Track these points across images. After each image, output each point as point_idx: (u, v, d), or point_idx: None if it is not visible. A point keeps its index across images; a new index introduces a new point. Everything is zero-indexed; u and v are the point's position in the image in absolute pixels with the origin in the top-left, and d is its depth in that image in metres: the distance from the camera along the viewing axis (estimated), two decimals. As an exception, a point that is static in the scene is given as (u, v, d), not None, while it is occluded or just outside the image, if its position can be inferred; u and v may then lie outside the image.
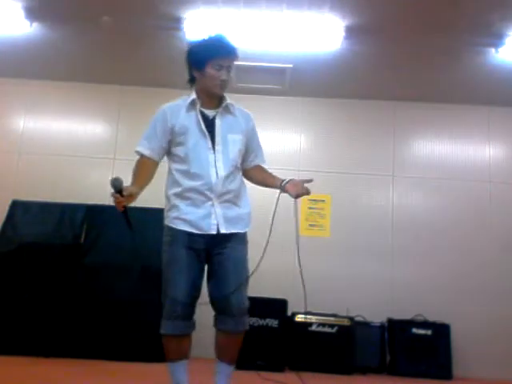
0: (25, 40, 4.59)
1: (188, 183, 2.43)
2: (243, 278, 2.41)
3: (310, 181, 2.60)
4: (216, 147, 2.45)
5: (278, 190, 2.59)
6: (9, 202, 5.03)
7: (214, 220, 2.41)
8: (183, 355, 2.44)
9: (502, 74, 4.66)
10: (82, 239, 4.88)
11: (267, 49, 4.47)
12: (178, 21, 4.12)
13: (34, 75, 5.43)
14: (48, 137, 5.49)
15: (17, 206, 5.00)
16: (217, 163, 2.43)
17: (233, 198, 2.48)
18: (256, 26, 4.12)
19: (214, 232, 2.40)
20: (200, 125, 2.46)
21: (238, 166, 2.54)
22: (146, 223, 4.89)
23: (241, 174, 2.59)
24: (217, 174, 2.41)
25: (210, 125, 2.48)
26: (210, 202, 2.41)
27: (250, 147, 2.60)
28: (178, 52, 4.74)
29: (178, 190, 2.47)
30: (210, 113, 2.50)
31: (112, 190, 2.33)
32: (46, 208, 4.98)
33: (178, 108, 2.52)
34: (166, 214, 2.55)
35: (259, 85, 5.15)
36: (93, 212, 4.99)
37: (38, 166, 5.39)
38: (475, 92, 5.14)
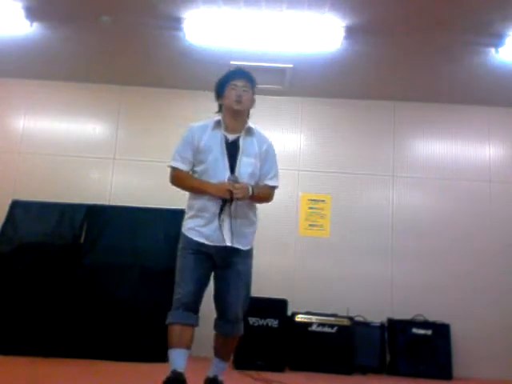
0: (25, 40, 4.59)
1: (206, 199, 2.67)
2: (243, 289, 2.71)
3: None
4: (235, 167, 2.69)
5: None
6: (9, 202, 5.03)
7: (223, 233, 2.65)
8: (184, 344, 2.61)
9: (501, 74, 4.66)
10: (82, 239, 4.88)
11: (267, 49, 4.47)
12: (177, 21, 4.12)
13: (34, 75, 5.43)
14: (48, 137, 5.48)
15: (17, 206, 5.01)
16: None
17: (241, 216, 2.71)
18: (256, 25, 4.12)
19: (222, 244, 2.65)
20: (222, 145, 2.71)
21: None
22: (146, 223, 4.91)
23: None
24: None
25: (230, 147, 2.72)
26: (222, 217, 2.66)
27: (263, 169, 2.78)
28: (178, 52, 4.77)
29: (195, 203, 2.73)
30: (231, 136, 2.75)
31: (231, 183, 2.65)
32: (46, 208, 4.98)
33: (205, 128, 2.76)
34: (184, 222, 2.80)
35: (259, 85, 5.13)
36: (93, 212, 5.00)
37: (38, 166, 5.39)
38: (475, 92, 5.14)
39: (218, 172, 2.68)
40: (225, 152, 2.70)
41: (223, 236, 2.65)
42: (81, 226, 4.93)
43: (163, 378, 2.51)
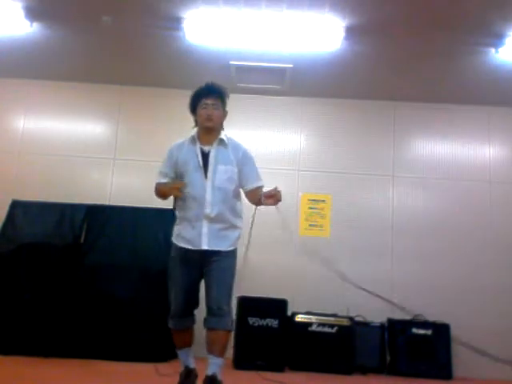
0: (25, 40, 4.59)
1: (187, 206, 2.92)
2: (225, 285, 2.88)
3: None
4: (207, 175, 2.91)
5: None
6: (9, 202, 5.03)
7: (203, 237, 2.87)
8: (186, 344, 3.03)
9: (502, 74, 4.66)
10: (82, 239, 4.88)
11: (267, 49, 4.47)
12: (177, 21, 4.12)
13: (34, 75, 5.43)
14: (48, 137, 5.49)
15: (17, 206, 5.00)
16: (207, 189, 2.90)
17: (221, 219, 2.90)
18: (256, 25, 4.12)
19: (202, 248, 2.86)
20: (197, 157, 2.95)
21: (230, 191, 2.94)
22: (146, 223, 4.90)
23: (235, 198, 2.99)
24: (206, 198, 2.88)
25: (206, 157, 2.96)
26: (200, 223, 2.89)
27: (242, 173, 3.00)
28: (178, 52, 4.77)
29: (179, 212, 2.99)
30: (207, 148, 2.98)
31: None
32: (46, 208, 4.97)
33: (182, 145, 3.03)
34: (174, 229, 3.04)
35: (259, 85, 5.15)
36: (93, 212, 4.99)
37: (37, 166, 5.39)
38: (475, 92, 5.14)
39: (196, 181, 2.90)
40: (201, 162, 2.93)
41: (201, 240, 2.86)
42: (81, 226, 4.93)
43: (179, 372, 3.00)
